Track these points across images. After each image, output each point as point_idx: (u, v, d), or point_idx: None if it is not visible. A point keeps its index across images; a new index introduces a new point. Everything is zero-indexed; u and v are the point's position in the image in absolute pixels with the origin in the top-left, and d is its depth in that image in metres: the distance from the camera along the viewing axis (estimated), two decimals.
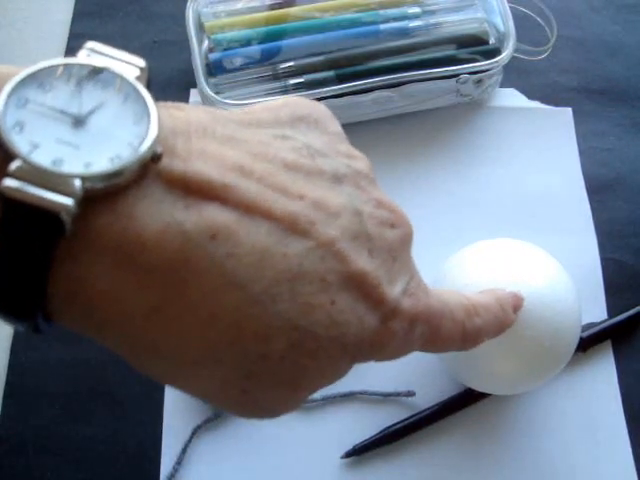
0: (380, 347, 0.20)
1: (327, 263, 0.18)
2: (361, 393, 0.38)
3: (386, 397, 0.38)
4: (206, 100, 0.42)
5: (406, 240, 0.21)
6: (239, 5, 0.44)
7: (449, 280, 0.35)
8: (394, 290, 0.20)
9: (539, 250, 0.35)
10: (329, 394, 0.38)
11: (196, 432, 0.37)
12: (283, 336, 0.18)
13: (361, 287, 0.19)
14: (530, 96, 0.48)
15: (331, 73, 0.42)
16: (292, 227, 0.18)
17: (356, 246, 0.19)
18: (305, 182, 0.19)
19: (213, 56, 0.42)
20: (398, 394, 0.38)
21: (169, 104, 0.19)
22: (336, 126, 0.22)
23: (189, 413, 0.38)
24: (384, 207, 0.20)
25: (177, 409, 0.38)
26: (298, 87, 0.42)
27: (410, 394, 0.38)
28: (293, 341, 0.18)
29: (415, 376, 0.39)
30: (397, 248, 0.20)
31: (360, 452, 0.37)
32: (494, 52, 0.43)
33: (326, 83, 0.42)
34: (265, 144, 0.19)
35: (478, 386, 0.35)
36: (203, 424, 0.37)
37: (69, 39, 0.49)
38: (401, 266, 0.20)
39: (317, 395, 0.38)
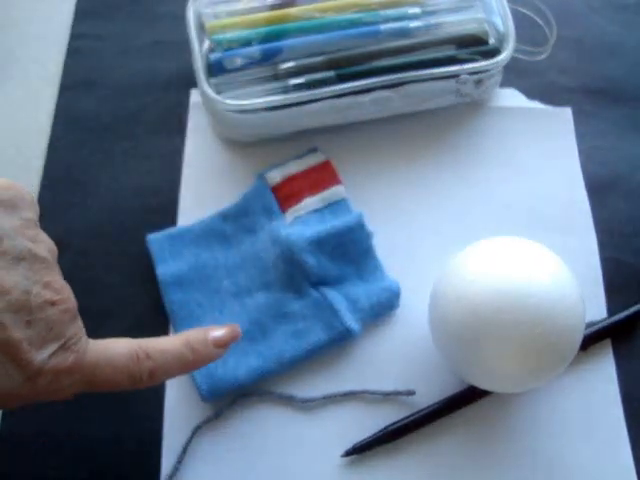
0: (30, 397, 0.25)
1: None
2: (362, 392, 0.38)
3: (386, 396, 0.38)
4: (206, 100, 0.42)
5: (66, 314, 0.26)
6: (240, 5, 0.44)
7: (455, 277, 0.35)
8: (41, 355, 0.25)
9: (544, 249, 0.35)
10: (330, 393, 0.38)
11: (196, 432, 0.37)
12: None
13: (11, 352, 0.24)
14: (530, 96, 0.48)
15: (331, 73, 0.42)
16: None
17: (16, 318, 0.24)
18: None
19: (214, 56, 0.42)
20: (398, 393, 0.38)
21: None
22: (31, 213, 0.27)
23: (189, 413, 0.38)
24: (50, 288, 0.25)
25: (178, 409, 0.38)
26: (298, 87, 0.42)
27: (410, 393, 0.38)
28: None
29: (416, 374, 0.39)
30: (55, 320, 0.25)
31: (360, 451, 0.37)
32: (494, 52, 0.43)
33: (326, 83, 0.42)
34: None
35: (482, 384, 0.35)
36: (203, 424, 0.37)
37: (70, 39, 0.49)
38: (55, 334, 0.25)
39: (318, 394, 0.38)
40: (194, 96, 0.47)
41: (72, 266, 0.41)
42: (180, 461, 0.36)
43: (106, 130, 0.46)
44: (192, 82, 0.44)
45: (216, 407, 0.38)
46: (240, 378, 0.37)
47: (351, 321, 0.38)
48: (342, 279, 0.40)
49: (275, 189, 0.42)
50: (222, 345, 0.31)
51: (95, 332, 0.40)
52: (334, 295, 0.39)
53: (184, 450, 0.37)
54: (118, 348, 0.28)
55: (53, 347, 0.25)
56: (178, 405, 0.38)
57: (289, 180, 0.43)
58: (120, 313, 0.40)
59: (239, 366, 0.38)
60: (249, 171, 0.44)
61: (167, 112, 0.46)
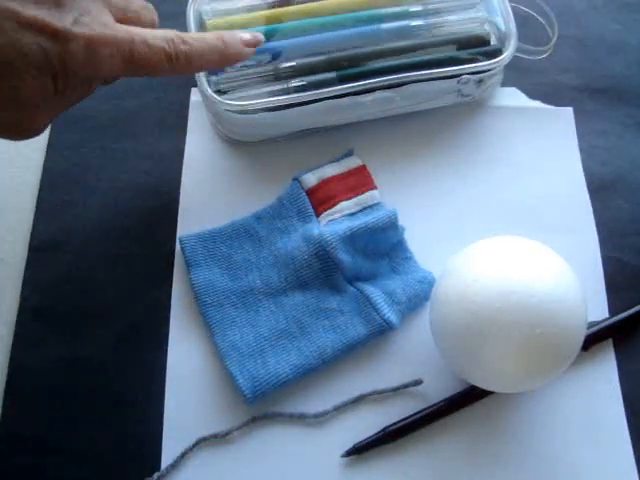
0: (70, 62, 0.29)
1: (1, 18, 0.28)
2: (370, 394, 0.38)
3: (395, 391, 0.38)
4: (206, 99, 0.42)
5: None
6: (240, 4, 0.44)
7: (456, 277, 0.35)
8: (63, 23, 0.29)
9: (546, 248, 0.35)
10: (340, 402, 0.38)
11: (200, 442, 0.37)
12: None
13: (35, 26, 0.29)
14: (531, 95, 0.48)
15: (332, 74, 0.42)
16: None
17: (22, 2, 0.29)
18: None
19: None
20: (406, 386, 0.38)
21: None
22: None
23: (189, 413, 0.38)
24: None
25: (178, 409, 0.38)
26: (299, 88, 0.42)
27: (417, 383, 0.38)
28: None
29: (418, 374, 0.39)
30: None
31: (360, 451, 0.37)
32: (495, 52, 0.43)
33: (327, 84, 0.42)
34: None
35: (483, 384, 0.35)
36: (209, 437, 0.37)
37: None
38: (69, 8, 0.30)
39: (326, 405, 0.38)
40: (194, 95, 0.47)
41: (72, 266, 0.41)
42: (175, 464, 0.36)
43: (106, 129, 0.46)
44: (192, 81, 0.44)
45: (221, 424, 0.37)
46: (282, 376, 0.37)
47: (390, 313, 0.39)
48: (377, 274, 0.41)
49: (310, 192, 0.42)
50: (249, 45, 0.36)
51: (94, 332, 0.40)
52: (370, 289, 0.40)
53: (182, 455, 0.36)
54: (154, 32, 0.32)
55: (72, 17, 0.29)
56: (179, 405, 0.38)
57: (325, 183, 0.42)
58: (120, 313, 0.40)
59: (280, 365, 0.38)
60: (249, 171, 0.44)
61: (167, 111, 0.46)
